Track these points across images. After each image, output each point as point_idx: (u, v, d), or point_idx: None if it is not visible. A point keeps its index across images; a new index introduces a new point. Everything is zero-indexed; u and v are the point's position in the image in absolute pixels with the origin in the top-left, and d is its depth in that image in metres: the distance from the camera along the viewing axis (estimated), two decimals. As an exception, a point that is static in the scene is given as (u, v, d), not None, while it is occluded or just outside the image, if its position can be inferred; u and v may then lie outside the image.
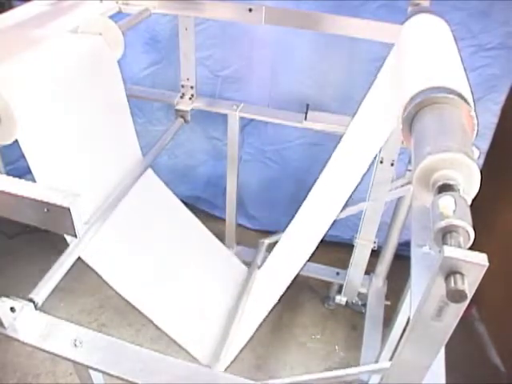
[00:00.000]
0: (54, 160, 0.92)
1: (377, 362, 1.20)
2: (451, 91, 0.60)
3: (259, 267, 1.49)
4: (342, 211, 1.12)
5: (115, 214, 1.02)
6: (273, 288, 1.22)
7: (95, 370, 0.69)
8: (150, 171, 1.28)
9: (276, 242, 1.44)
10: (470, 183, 0.51)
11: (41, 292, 0.81)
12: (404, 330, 0.56)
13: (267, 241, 1.60)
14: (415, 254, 0.86)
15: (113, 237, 1.09)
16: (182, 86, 1.38)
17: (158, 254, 1.26)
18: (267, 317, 1.17)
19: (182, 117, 1.37)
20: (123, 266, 1.12)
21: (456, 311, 0.48)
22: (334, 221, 1.08)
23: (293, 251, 1.26)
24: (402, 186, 1.26)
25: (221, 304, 1.34)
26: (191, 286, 1.33)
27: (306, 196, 1.29)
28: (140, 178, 1.16)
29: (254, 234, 1.86)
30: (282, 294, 1.13)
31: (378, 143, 0.98)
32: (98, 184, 1.06)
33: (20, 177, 0.57)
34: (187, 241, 1.42)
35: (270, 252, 1.51)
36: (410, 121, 0.63)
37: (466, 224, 0.45)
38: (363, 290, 1.55)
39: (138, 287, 1.13)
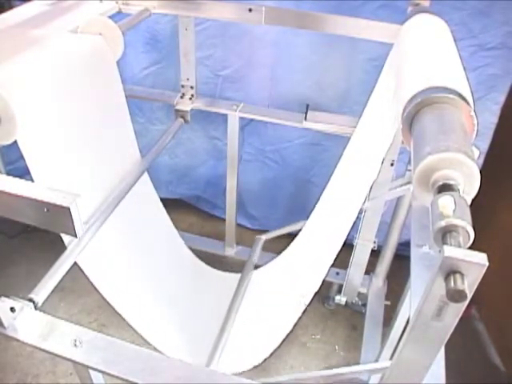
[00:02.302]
0: (52, 161, 0.92)
1: (377, 361, 1.20)
2: (451, 91, 0.60)
3: (255, 267, 1.49)
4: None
5: (112, 217, 1.02)
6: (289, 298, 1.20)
7: (95, 370, 0.68)
8: (145, 177, 1.28)
9: (273, 239, 1.42)
10: (469, 183, 0.51)
11: (41, 292, 0.81)
12: (404, 330, 0.56)
13: (264, 237, 1.59)
14: (415, 253, 0.86)
15: (107, 242, 1.09)
16: (182, 86, 1.37)
17: (146, 265, 1.27)
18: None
19: (182, 117, 1.37)
20: (113, 273, 1.13)
21: (456, 311, 0.48)
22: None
23: (311, 258, 1.25)
24: (402, 185, 1.26)
25: (213, 314, 1.33)
26: (182, 301, 1.33)
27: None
28: (137, 182, 1.16)
29: (254, 234, 1.86)
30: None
31: (385, 144, 0.98)
32: (96, 186, 1.06)
33: (20, 177, 0.57)
34: (174, 257, 1.43)
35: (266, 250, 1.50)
36: (410, 121, 0.63)
37: (465, 224, 0.45)
38: (363, 290, 1.55)
39: (126, 298, 1.14)
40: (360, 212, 1.34)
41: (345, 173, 1.18)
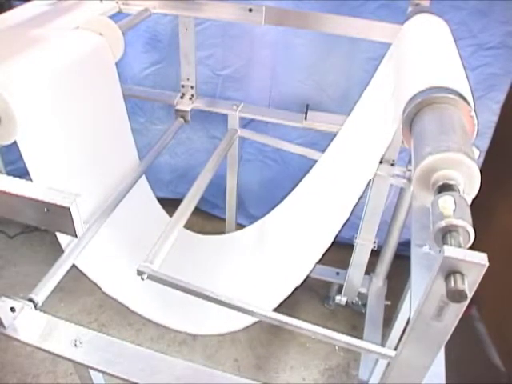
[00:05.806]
0: (51, 161, 0.92)
1: (377, 361, 1.20)
2: (451, 91, 0.60)
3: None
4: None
5: (110, 218, 1.02)
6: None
7: (95, 370, 0.69)
8: (143, 179, 1.27)
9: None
10: (470, 183, 0.51)
11: (41, 292, 0.81)
12: (404, 330, 0.56)
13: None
14: (415, 253, 0.86)
15: (106, 243, 1.09)
16: (182, 86, 1.38)
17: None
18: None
19: (182, 117, 1.37)
20: (113, 273, 1.12)
21: (456, 311, 0.48)
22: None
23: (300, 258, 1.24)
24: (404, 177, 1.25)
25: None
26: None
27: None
28: (135, 184, 1.15)
29: (254, 233, 1.86)
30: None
31: (378, 142, 0.97)
32: (93, 187, 1.06)
33: (20, 177, 0.57)
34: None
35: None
36: (410, 121, 0.63)
37: (465, 224, 0.45)
38: (363, 290, 1.55)
39: (129, 292, 1.13)
40: (360, 211, 1.35)
41: (330, 166, 1.18)
